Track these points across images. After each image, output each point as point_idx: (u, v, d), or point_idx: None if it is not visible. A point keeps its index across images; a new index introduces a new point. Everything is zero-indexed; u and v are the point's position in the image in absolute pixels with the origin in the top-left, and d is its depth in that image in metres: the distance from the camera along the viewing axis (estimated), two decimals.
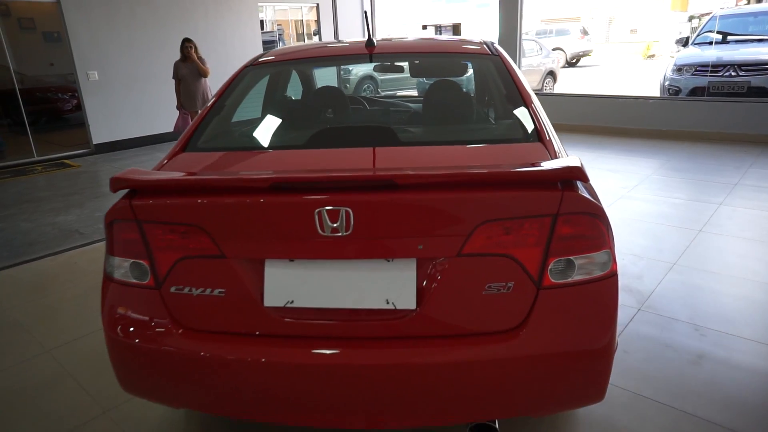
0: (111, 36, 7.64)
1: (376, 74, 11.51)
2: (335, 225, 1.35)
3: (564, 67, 17.11)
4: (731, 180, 4.88)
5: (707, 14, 9.08)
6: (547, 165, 1.40)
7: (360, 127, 2.05)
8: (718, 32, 7.77)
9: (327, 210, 1.34)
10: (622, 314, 2.70)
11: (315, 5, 10.61)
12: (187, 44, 6.49)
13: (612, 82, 13.99)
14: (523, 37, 12.22)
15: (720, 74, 6.97)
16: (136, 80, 7.99)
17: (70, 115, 8.50)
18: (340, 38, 11.40)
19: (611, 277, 1.45)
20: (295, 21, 11.32)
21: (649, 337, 2.49)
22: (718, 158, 5.71)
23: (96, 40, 7.50)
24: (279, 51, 2.41)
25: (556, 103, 7.88)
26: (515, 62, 7.82)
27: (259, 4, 9.57)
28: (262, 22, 11.52)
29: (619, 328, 2.59)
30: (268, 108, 2.42)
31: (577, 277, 1.42)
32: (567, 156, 1.65)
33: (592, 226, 1.41)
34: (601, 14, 23.27)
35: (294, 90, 3.03)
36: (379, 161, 1.60)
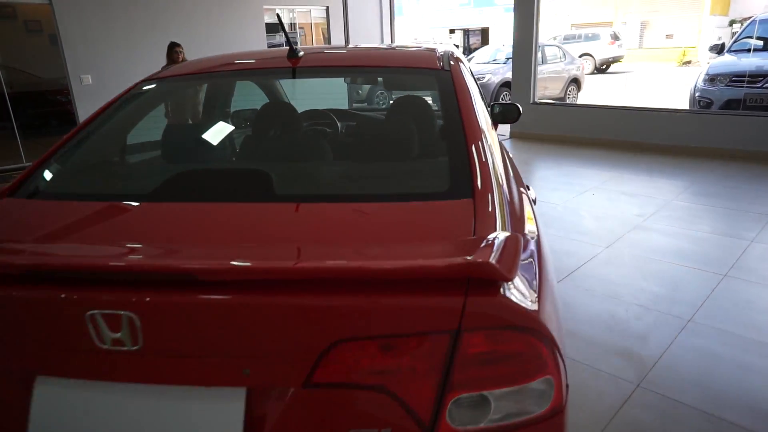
0: (107, 40, 7.41)
1: None
2: (117, 335, 0.90)
3: (592, 73, 16.34)
4: None
5: (748, 18, 8.32)
6: (442, 256, 0.91)
7: (228, 171, 1.57)
8: (758, 38, 7.03)
9: (103, 314, 0.89)
10: (615, 393, 2.16)
11: (325, 7, 10.23)
12: (176, 49, 6.15)
13: (641, 90, 13.18)
14: (548, 42, 11.62)
15: (759, 85, 6.25)
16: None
17: (62, 119, 8.30)
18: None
19: (553, 417, 0.95)
20: (304, 24, 10.96)
21: (646, 430, 1.95)
22: (753, 182, 5.03)
23: (90, 43, 7.28)
24: (182, 65, 1.96)
25: (574, 114, 7.26)
26: (531, 68, 7.26)
27: (265, 6, 9.24)
28: (278, 24, 11.20)
29: (610, 413, 2.07)
30: (167, 133, 1.95)
31: (494, 419, 0.92)
32: (509, 224, 1.15)
33: (521, 345, 0.91)
34: (634, 19, 22.22)
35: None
36: (210, 233, 1.12)
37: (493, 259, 0.83)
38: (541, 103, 7.63)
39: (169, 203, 1.28)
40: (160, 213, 1.24)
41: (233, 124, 2.30)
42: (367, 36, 11.19)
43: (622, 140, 6.68)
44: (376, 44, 2.21)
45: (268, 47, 9.48)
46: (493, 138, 1.58)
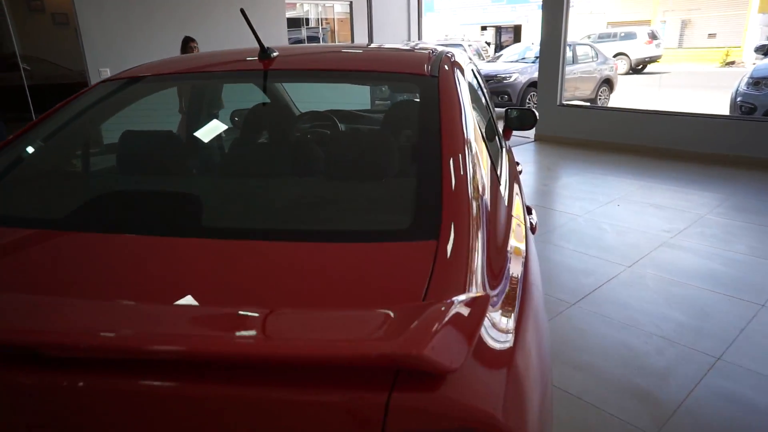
0: (124, 33, 7.40)
1: None
2: None
3: (627, 73, 15.70)
4: None
5: None
6: (361, 338, 0.68)
7: (157, 194, 1.34)
8: None
9: None
10: None
11: (349, 2, 10.03)
12: (191, 44, 6.06)
13: (678, 92, 12.54)
14: (580, 41, 11.13)
15: None
16: None
17: None
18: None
19: None
20: (330, 20, 10.79)
21: None
22: None
23: (109, 36, 7.28)
24: (147, 65, 1.76)
25: (603, 117, 6.87)
26: (559, 68, 6.89)
27: (287, 2, 9.10)
28: (306, 20, 11.08)
29: None
30: (122, 141, 1.71)
31: None
32: (484, 275, 0.90)
33: None
34: (674, 17, 21.28)
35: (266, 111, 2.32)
36: (86, 282, 0.90)
37: (428, 348, 0.60)
38: (568, 105, 7.26)
39: (65, 234, 1.07)
40: (44, 249, 1.03)
41: (202, 130, 2.10)
42: (393, 33, 10.94)
43: (653, 147, 6.27)
44: (365, 44, 1.97)
45: (290, 43, 9.35)
46: (484, 158, 1.33)
